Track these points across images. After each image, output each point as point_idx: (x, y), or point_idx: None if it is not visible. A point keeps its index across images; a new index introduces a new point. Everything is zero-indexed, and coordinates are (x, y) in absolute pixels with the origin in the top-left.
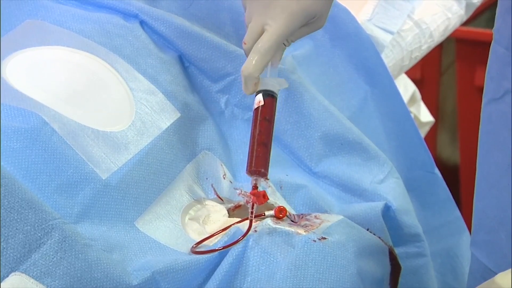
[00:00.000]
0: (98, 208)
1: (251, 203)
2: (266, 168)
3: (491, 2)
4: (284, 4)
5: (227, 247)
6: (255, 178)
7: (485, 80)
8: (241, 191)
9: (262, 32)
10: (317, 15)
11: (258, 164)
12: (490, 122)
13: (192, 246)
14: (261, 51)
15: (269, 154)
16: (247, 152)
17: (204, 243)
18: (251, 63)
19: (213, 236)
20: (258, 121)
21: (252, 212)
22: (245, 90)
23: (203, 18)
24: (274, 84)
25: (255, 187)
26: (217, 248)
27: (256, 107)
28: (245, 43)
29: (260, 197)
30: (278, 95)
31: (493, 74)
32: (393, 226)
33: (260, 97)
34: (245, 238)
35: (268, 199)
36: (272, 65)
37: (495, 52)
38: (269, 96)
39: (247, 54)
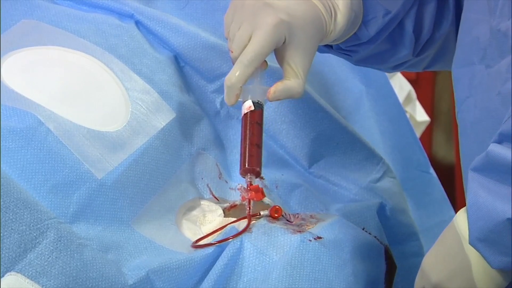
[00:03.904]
0: (93, 208)
1: (248, 199)
2: (260, 167)
3: None
4: (271, 14)
5: (226, 240)
6: (249, 177)
7: None
8: (241, 186)
9: (249, 41)
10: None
11: (252, 163)
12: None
13: (193, 242)
14: (244, 62)
15: (261, 155)
16: (240, 154)
17: (200, 243)
18: (234, 73)
19: (209, 236)
20: (249, 124)
21: (249, 207)
22: (227, 100)
23: (198, 18)
24: (260, 93)
25: (250, 185)
26: (214, 242)
27: (245, 112)
28: (231, 51)
29: (259, 193)
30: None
31: None
32: (389, 225)
33: (249, 103)
34: (240, 237)
35: (265, 195)
36: (260, 72)
37: None
38: (257, 106)
39: (233, 63)
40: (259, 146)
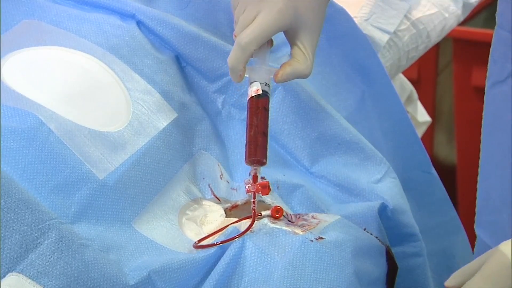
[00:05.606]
0: (95, 208)
1: (253, 192)
2: (266, 158)
3: (488, 2)
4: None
5: (230, 240)
6: (255, 167)
7: (488, 63)
8: (249, 181)
9: None
10: (308, 21)
11: (259, 153)
12: (494, 104)
13: (195, 242)
14: (241, 44)
15: (267, 143)
16: (245, 141)
17: (202, 243)
18: (233, 55)
19: (210, 237)
20: (256, 110)
21: (254, 202)
22: (232, 79)
23: (200, 18)
24: (266, 74)
25: (255, 176)
26: (217, 242)
27: (253, 95)
28: (235, 36)
29: (266, 187)
30: (273, 93)
31: (496, 57)
32: (390, 226)
33: (257, 85)
34: (242, 237)
35: (271, 190)
36: (265, 52)
37: (498, 35)
38: (264, 93)
39: None
40: (265, 134)
